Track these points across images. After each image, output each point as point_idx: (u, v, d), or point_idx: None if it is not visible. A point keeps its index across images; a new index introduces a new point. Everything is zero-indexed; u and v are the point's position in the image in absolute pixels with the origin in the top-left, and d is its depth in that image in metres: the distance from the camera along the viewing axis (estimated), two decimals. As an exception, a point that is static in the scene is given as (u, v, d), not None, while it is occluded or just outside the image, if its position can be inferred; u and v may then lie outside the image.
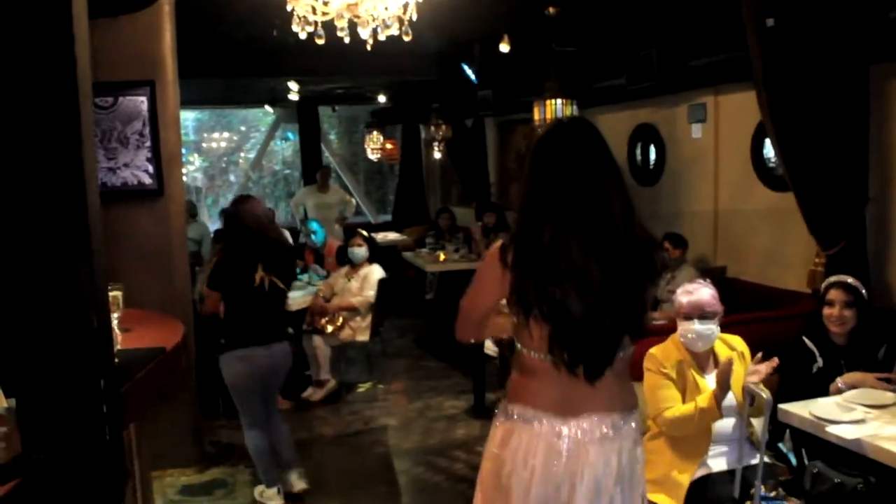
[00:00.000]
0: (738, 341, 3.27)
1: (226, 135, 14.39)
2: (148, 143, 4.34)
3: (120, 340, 2.86)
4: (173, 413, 4.49)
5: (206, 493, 4.44)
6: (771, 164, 5.30)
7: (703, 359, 3.18)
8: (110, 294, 2.89)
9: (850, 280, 3.44)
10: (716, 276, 5.52)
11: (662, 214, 6.49)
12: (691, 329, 3.09)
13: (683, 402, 3.06)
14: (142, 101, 4.29)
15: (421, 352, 7.42)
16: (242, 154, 14.35)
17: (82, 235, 1.80)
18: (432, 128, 9.53)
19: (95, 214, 1.87)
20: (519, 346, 2.09)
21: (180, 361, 2.89)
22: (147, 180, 4.37)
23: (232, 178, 14.35)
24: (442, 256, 7.98)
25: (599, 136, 2.10)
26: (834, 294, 3.41)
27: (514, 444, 2.08)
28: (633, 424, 2.11)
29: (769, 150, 5.27)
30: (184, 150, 13.88)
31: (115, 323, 2.90)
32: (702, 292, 3.12)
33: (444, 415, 5.64)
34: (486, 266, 2.11)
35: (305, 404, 5.99)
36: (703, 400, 2.98)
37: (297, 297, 6.36)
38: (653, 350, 3.21)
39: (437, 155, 9.83)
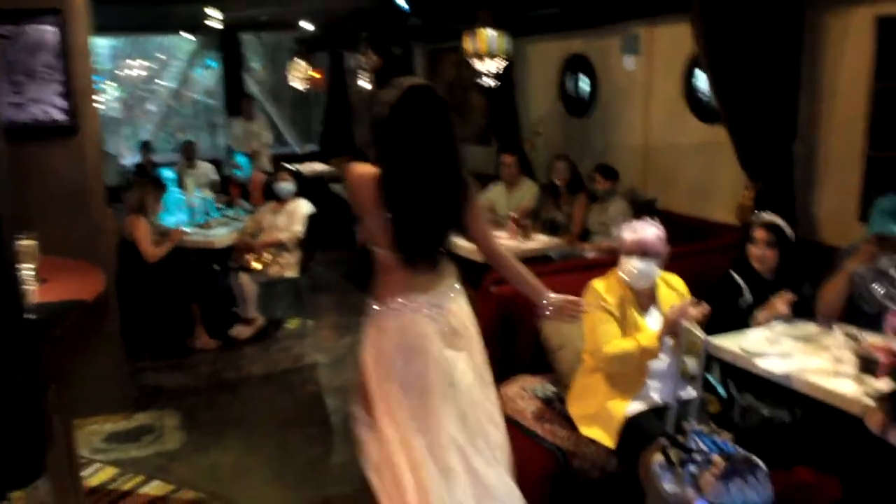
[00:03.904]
0: (677, 281, 3.29)
1: (143, 63, 13.76)
2: (58, 76, 4.06)
3: (37, 293, 2.71)
4: (97, 357, 4.33)
5: (134, 439, 4.33)
6: (702, 97, 5.30)
7: (644, 297, 3.18)
8: (22, 244, 2.72)
9: (773, 219, 3.49)
10: (646, 207, 5.56)
11: (593, 146, 6.49)
12: (632, 265, 3.09)
13: (622, 335, 3.07)
14: (49, 31, 3.99)
15: (350, 286, 7.32)
16: (161, 83, 13.76)
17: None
18: (362, 57, 9.25)
19: None
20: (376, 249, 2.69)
21: (104, 312, 2.75)
22: (59, 116, 4.11)
23: (152, 107, 13.78)
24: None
25: (438, 102, 2.66)
26: (757, 233, 3.47)
27: (387, 326, 2.67)
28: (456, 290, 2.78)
29: (701, 83, 5.27)
30: (98, 79, 13.34)
31: (31, 275, 2.75)
32: (646, 231, 3.12)
33: (375, 350, 5.59)
34: (360, 184, 2.67)
35: (233, 343, 5.89)
36: (646, 339, 2.99)
37: (223, 234, 6.20)
38: (595, 283, 3.20)
39: (367, 85, 9.56)
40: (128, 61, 13.62)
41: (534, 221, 5.68)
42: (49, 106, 4.07)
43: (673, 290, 3.25)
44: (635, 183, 5.95)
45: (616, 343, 3.04)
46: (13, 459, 1.63)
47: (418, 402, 2.63)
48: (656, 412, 2.98)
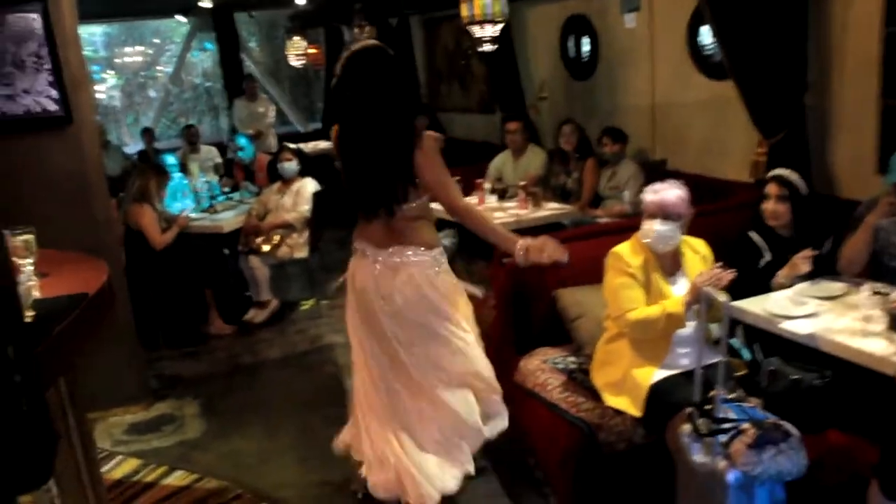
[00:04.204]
0: (701, 244, 3.21)
1: (140, 49, 13.61)
2: (47, 66, 3.96)
3: (38, 288, 2.65)
4: (112, 349, 4.30)
5: (155, 429, 4.30)
6: (707, 52, 5.17)
7: (668, 261, 3.09)
8: (20, 239, 2.65)
9: (784, 172, 3.40)
10: (656, 169, 5.47)
11: (599, 108, 6.37)
12: (652, 228, 3.00)
13: (646, 302, 2.99)
14: (34, 19, 3.88)
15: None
16: (160, 68, 13.63)
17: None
18: (356, 29, 9.11)
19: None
20: None
21: (108, 304, 2.69)
22: (52, 107, 4.01)
23: (152, 93, 13.66)
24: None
25: (381, 62, 2.84)
26: (769, 188, 3.38)
27: (352, 268, 3.02)
28: (428, 257, 2.92)
29: (706, 38, 5.14)
30: (96, 68, 13.25)
31: (30, 269, 2.69)
32: (668, 192, 3.03)
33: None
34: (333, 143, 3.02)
35: (248, 327, 5.85)
36: (672, 305, 2.91)
37: (230, 218, 6.13)
38: (616, 248, 3.11)
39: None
40: (125, 48, 13.49)
41: (543, 189, 5.58)
42: (41, 96, 3.97)
43: (697, 253, 3.16)
44: (644, 144, 5.84)
45: (641, 309, 2.96)
46: (19, 462, 1.58)
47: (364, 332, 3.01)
48: (682, 379, 2.90)
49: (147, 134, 9.69)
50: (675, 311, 2.90)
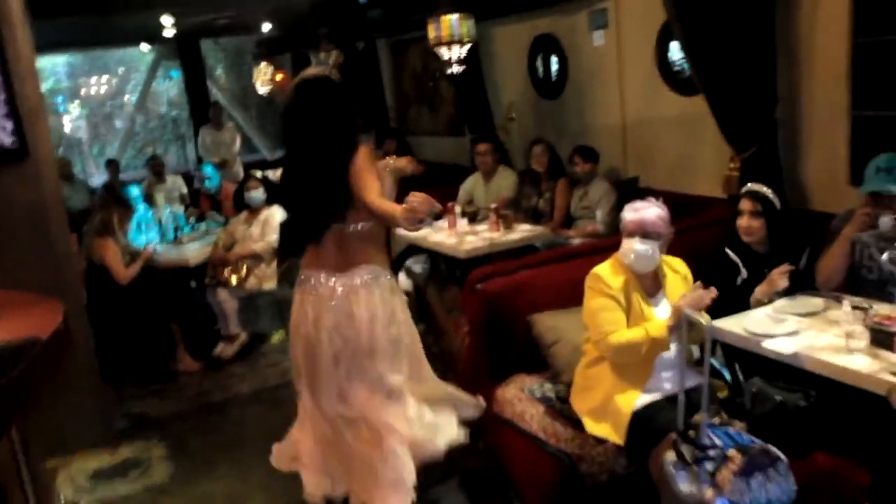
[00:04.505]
0: (679, 263, 3.13)
1: (104, 78, 13.45)
2: (2, 97, 3.84)
3: (-13, 334, 2.51)
4: (74, 391, 4.15)
5: (121, 474, 4.13)
6: (677, 68, 5.14)
7: (648, 282, 3.01)
8: (-31, 282, 2.52)
9: (756, 187, 3.35)
10: (628, 187, 5.42)
11: (569, 127, 6.32)
12: (632, 248, 2.93)
13: (627, 324, 2.90)
14: (-15, 51, 3.78)
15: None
16: (126, 97, 13.46)
17: None
18: (322, 54, 9.04)
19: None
20: None
21: (64, 347, 2.55)
22: (7, 140, 3.89)
23: (118, 123, 13.48)
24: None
25: (325, 93, 2.93)
26: (743, 204, 3.35)
27: (297, 298, 3.03)
28: (373, 277, 2.96)
29: (675, 54, 5.11)
30: (60, 99, 13.03)
31: (-21, 314, 2.55)
32: (647, 211, 2.96)
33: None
34: None
35: (218, 362, 5.68)
36: (655, 329, 2.82)
37: (196, 249, 6.00)
38: (597, 269, 3.02)
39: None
40: (90, 78, 13.31)
41: (515, 211, 5.50)
42: (-5, 130, 3.86)
43: (678, 273, 3.09)
44: (615, 163, 5.79)
45: (622, 332, 2.87)
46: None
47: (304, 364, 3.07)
48: (665, 404, 2.82)
49: (111, 165, 9.51)
50: (658, 336, 2.81)
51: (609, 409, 2.91)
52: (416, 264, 5.73)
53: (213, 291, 5.79)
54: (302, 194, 2.95)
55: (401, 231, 5.44)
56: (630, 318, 2.92)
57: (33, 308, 2.75)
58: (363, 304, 2.90)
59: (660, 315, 2.92)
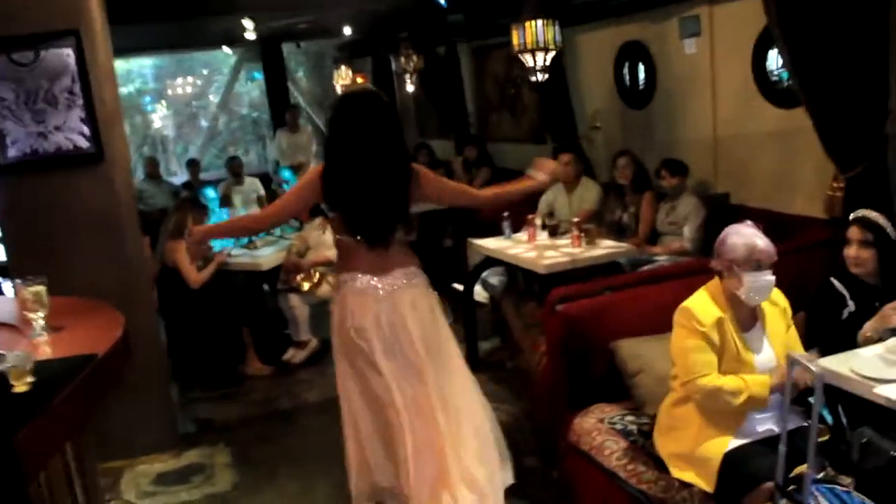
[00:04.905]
0: (778, 295, 2.83)
1: (189, 79, 13.71)
2: (80, 102, 3.83)
3: (49, 344, 2.44)
4: (142, 395, 4.12)
5: (184, 480, 4.08)
6: (775, 78, 4.83)
7: (745, 314, 2.73)
8: (30, 291, 2.46)
9: (867, 214, 3.04)
10: (719, 203, 5.14)
11: (657, 139, 6.05)
12: (751, 279, 2.61)
13: (719, 364, 2.65)
14: (67, 54, 3.76)
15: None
16: (210, 98, 13.69)
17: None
18: (403, 59, 8.95)
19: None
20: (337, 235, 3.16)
21: (121, 362, 2.47)
22: (83, 143, 3.87)
23: (202, 123, 13.72)
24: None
25: (377, 104, 3.02)
26: (851, 231, 3.03)
27: (346, 298, 3.06)
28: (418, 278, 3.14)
29: (773, 63, 4.80)
30: (147, 99, 13.34)
31: (41, 324, 2.49)
32: (758, 237, 2.66)
33: (436, 369, 5.26)
34: (308, 181, 3.12)
35: (287, 368, 5.63)
36: (756, 385, 2.56)
37: (270, 254, 5.95)
38: (687, 303, 2.73)
39: (410, 87, 9.24)
40: (175, 80, 13.59)
41: (598, 225, 5.26)
42: (73, 133, 3.84)
43: (776, 306, 2.81)
44: (705, 177, 5.50)
45: (715, 377, 2.61)
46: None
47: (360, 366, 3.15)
48: (762, 444, 2.56)
49: (193, 165, 9.62)
50: (758, 394, 2.55)
51: (696, 455, 2.65)
52: (493, 276, 5.54)
53: (285, 296, 5.73)
54: (364, 209, 3.00)
55: (477, 241, 5.30)
56: (723, 360, 2.65)
57: (96, 318, 2.69)
58: (407, 300, 3.06)
59: (758, 359, 2.65)
